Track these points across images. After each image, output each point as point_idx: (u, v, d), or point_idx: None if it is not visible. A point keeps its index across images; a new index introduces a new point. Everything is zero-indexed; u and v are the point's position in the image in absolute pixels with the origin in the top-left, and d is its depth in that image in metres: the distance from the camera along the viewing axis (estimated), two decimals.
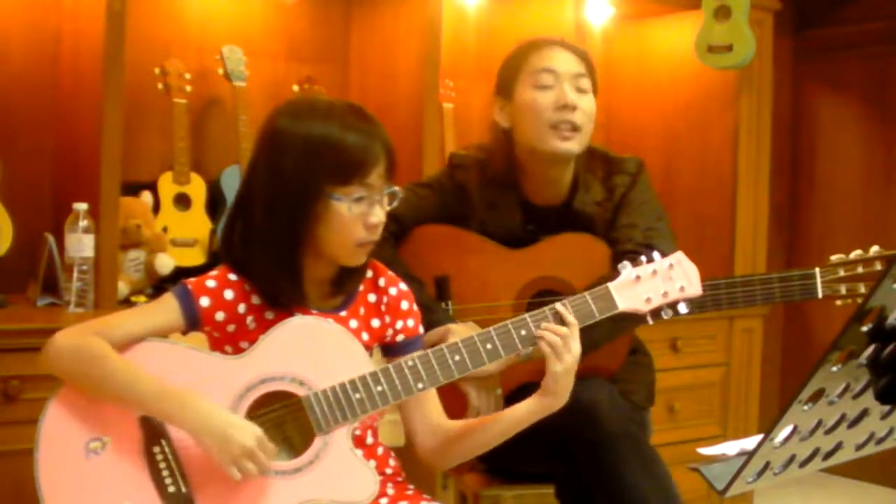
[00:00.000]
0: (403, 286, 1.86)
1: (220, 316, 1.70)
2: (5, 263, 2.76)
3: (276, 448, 1.63)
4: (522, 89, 2.28)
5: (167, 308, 1.69)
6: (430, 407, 1.84)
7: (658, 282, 1.81)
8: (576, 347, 1.73)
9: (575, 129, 2.24)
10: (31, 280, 2.82)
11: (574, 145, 2.25)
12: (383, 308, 1.83)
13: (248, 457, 1.58)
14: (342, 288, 1.78)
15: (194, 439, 1.61)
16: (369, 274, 1.83)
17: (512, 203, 2.33)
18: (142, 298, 2.83)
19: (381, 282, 1.84)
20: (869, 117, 4.56)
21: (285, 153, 1.67)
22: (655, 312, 1.84)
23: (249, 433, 1.58)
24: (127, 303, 2.81)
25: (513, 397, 1.86)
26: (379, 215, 1.71)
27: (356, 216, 1.68)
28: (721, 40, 3.54)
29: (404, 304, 1.84)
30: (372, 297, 1.83)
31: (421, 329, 1.88)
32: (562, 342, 1.72)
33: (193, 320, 1.69)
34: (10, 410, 2.39)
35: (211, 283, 1.71)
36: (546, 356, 1.72)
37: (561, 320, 1.74)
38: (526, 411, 1.77)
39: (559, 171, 2.29)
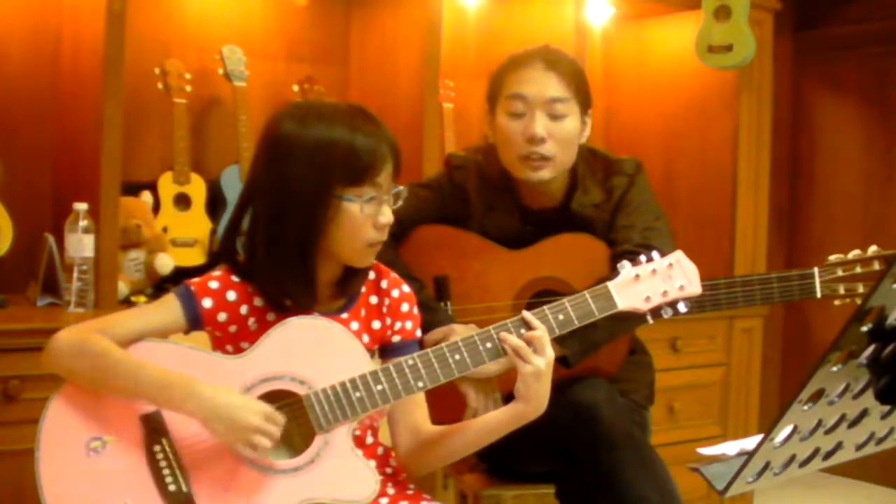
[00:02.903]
0: (406, 288, 1.86)
1: (222, 317, 1.70)
2: (5, 263, 2.76)
3: (269, 455, 1.63)
4: (499, 113, 2.26)
5: (169, 308, 1.69)
6: (416, 410, 1.84)
7: (657, 281, 1.81)
8: (548, 351, 1.71)
9: (545, 158, 2.22)
10: (31, 280, 2.82)
11: (545, 174, 2.24)
12: (384, 310, 1.83)
13: (256, 434, 1.58)
14: (345, 290, 1.78)
15: (202, 425, 1.62)
16: (372, 276, 1.83)
17: (509, 206, 2.33)
18: (142, 298, 2.83)
19: (384, 284, 1.84)
20: (869, 117, 4.57)
21: (293, 159, 1.67)
22: (655, 311, 1.83)
23: (255, 411, 1.59)
24: (127, 303, 2.81)
25: (511, 399, 1.86)
26: (388, 215, 1.72)
27: (367, 216, 1.69)
28: (721, 40, 3.54)
29: (404, 307, 1.84)
30: (374, 299, 1.83)
31: (418, 333, 1.87)
32: (525, 346, 1.71)
33: (195, 321, 1.70)
34: (10, 410, 2.39)
35: (214, 285, 1.71)
36: (512, 360, 1.71)
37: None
38: (502, 417, 1.77)
39: (546, 182, 2.29)
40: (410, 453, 1.83)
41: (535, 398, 1.72)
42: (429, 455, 1.83)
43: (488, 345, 1.72)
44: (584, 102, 2.27)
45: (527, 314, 1.74)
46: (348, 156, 1.66)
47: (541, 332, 1.72)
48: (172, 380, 1.62)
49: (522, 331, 1.72)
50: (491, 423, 1.78)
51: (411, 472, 1.86)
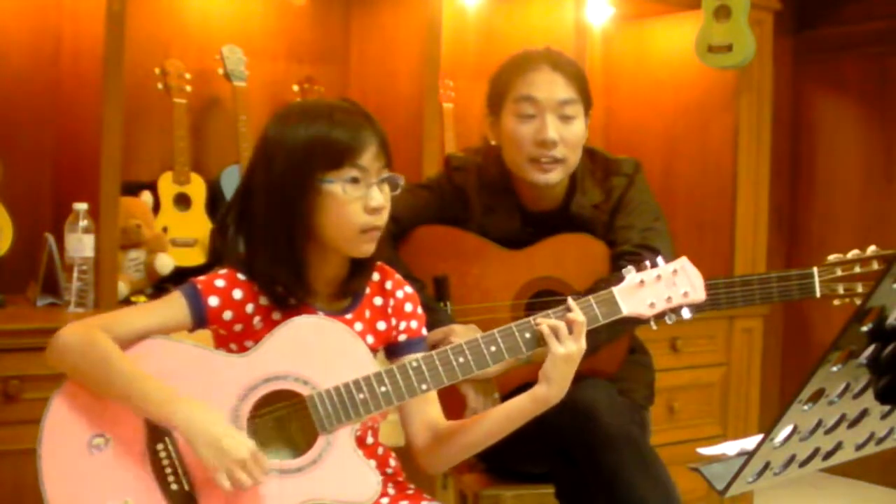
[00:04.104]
0: (409, 289, 1.86)
1: (227, 315, 1.71)
2: (5, 263, 2.76)
3: (271, 455, 1.63)
4: (506, 115, 2.26)
5: (175, 306, 1.70)
6: (430, 406, 1.84)
7: (662, 287, 1.81)
8: (583, 340, 1.72)
9: (556, 161, 2.23)
10: (31, 280, 2.82)
11: (555, 176, 2.24)
12: (389, 311, 1.83)
13: (240, 467, 1.57)
14: (350, 289, 1.78)
15: (190, 447, 1.61)
16: (376, 277, 1.83)
17: (509, 207, 2.33)
18: (142, 298, 2.83)
19: (388, 285, 1.84)
20: (869, 117, 4.57)
21: (277, 156, 1.69)
22: (659, 317, 1.84)
23: (244, 446, 1.59)
24: (127, 303, 2.80)
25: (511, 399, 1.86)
26: (378, 198, 1.71)
27: (353, 198, 1.69)
28: (721, 40, 3.54)
29: (409, 307, 1.85)
30: (378, 301, 1.83)
31: (424, 331, 1.88)
32: (565, 327, 1.71)
33: (201, 319, 1.70)
34: (10, 410, 2.39)
35: (220, 283, 1.71)
36: (546, 338, 1.72)
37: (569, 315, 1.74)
38: (521, 404, 1.76)
39: (549, 186, 2.29)
40: (429, 449, 1.83)
41: (559, 381, 1.73)
42: (448, 449, 1.82)
43: (492, 348, 1.72)
44: (588, 103, 2.29)
45: (571, 302, 1.74)
46: (326, 145, 1.67)
47: (583, 320, 1.73)
48: (166, 397, 1.62)
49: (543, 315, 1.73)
50: (511, 410, 1.78)
51: (431, 468, 1.86)
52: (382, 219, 1.73)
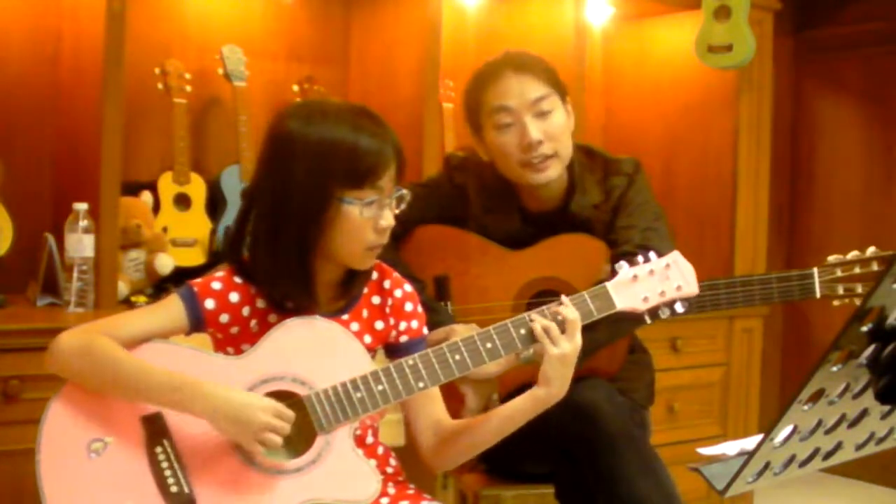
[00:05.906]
0: (409, 287, 1.86)
1: (224, 318, 1.70)
2: (5, 263, 2.76)
3: (270, 456, 1.63)
4: (487, 131, 2.26)
5: (172, 309, 1.69)
6: (434, 405, 1.84)
7: (655, 281, 1.82)
8: (577, 338, 1.73)
9: (547, 157, 2.23)
10: (31, 280, 2.82)
11: (552, 172, 2.24)
12: (388, 310, 1.83)
13: (267, 430, 1.59)
14: (347, 291, 1.78)
15: (210, 425, 1.62)
16: (374, 276, 1.83)
17: (510, 208, 2.33)
18: (142, 298, 2.83)
19: (387, 284, 1.84)
20: (869, 117, 4.57)
21: (296, 158, 1.66)
22: (653, 312, 1.84)
23: (263, 408, 1.59)
24: (127, 303, 2.80)
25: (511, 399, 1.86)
26: (388, 218, 1.71)
27: (367, 219, 1.68)
28: (721, 40, 3.54)
29: (408, 306, 1.84)
30: (376, 300, 1.82)
31: (425, 331, 1.87)
32: (557, 327, 1.71)
33: (197, 322, 1.70)
34: (10, 410, 2.39)
35: (216, 286, 1.71)
36: (540, 339, 1.72)
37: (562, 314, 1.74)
38: (522, 404, 1.77)
39: (549, 183, 2.29)
40: (434, 449, 1.83)
41: (558, 381, 1.73)
42: (452, 449, 1.82)
43: (488, 345, 1.72)
44: (562, 92, 2.28)
45: (565, 298, 1.74)
46: (350, 157, 1.65)
47: (575, 317, 1.72)
48: (179, 381, 1.62)
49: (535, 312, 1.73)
50: (512, 411, 1.78)
51: (436, 467, 1.87)
52: (387, 235, 1.73)
